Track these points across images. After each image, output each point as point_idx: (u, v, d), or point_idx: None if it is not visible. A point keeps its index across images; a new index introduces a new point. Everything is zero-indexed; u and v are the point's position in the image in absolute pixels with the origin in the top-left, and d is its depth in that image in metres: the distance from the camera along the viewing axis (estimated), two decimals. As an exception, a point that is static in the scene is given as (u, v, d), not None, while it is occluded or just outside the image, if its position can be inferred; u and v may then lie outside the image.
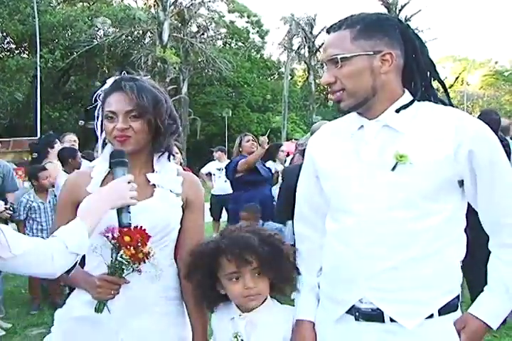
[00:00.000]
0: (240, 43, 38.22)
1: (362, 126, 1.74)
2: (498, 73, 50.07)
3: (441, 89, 1.87)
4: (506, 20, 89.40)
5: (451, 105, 1.77)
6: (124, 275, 1.82)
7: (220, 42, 35.72)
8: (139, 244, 1.78)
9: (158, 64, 26.13)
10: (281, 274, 1.88)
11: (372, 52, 1.64)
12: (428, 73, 1.76)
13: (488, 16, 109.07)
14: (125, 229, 1.77)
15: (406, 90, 1.74)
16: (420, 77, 1.73)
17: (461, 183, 1.68)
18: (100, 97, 1.97)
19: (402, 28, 1.71)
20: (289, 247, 1.92)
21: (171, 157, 2.02)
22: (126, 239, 1.76)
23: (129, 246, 1.76)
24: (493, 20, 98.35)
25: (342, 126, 1.83)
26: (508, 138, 5.94)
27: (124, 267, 1.80)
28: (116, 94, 1.89)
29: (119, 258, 1.78)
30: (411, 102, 1.71)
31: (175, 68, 27.09)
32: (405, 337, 1.64)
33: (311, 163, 1.88)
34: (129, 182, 1.80)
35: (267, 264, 1.84)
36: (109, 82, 1.96)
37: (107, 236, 1.79)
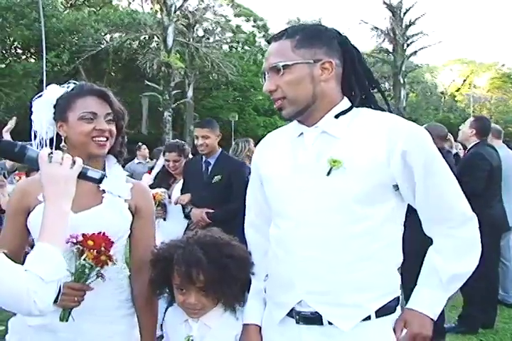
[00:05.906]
0: (246, 47, 38.28)
1: (302, 133, 1.78)
2: (506, 76, 49.81)
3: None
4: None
5: (390, 112, 1.81)
6: (87, 282, 1.84)
7: (226, 47, 35.79)
8: (102, 249, 1.82)
9: (163, 68, 26.20)
10: (228, 295, 1.90)
11: (312, 61, 1.70)
12: (367, 82, 1.80)
13: (494, 19, 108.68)
14: (88, 234, 1.80)
15: (345, 97, 1.78)
16: (358, 85, 1.77)
17: (397, 187, 1.70)
18: (63, 100, 1.94)
19: (341, 39, 1.76)
20: (245, 268, 1.90)
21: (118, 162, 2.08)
22: (90, 243, 1.81)
23: (92, 250, 1.80)
24: (499, 22, 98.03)
25: (284, 133, 1.88)
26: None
27: (87, 271, 1.82)
28: (92, 97, 1.94)
29: (82, 261, 1.81)
30: (349, 109, 1.74)
31: (180, 73, 27.16)
32: (342, 339, 1.67)
33: (255, 170, 1.93)
34: (49, 154, 1.62)
35: (212, 286, 1.86)
36: (74, 86, 1.99)
37: (71, 242, 1.80)
